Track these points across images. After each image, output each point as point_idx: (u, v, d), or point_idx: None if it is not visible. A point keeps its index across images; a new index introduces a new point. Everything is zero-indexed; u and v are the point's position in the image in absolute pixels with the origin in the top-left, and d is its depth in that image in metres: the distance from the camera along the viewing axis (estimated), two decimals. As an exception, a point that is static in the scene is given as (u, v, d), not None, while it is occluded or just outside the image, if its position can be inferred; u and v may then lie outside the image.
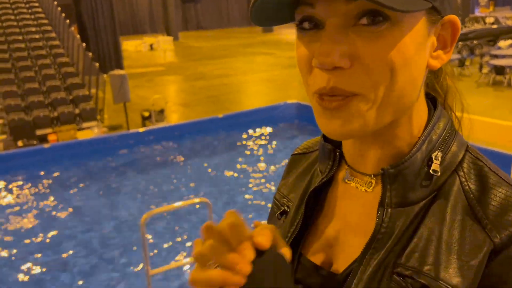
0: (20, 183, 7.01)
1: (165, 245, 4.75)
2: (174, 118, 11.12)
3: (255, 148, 8.15)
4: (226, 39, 25.03)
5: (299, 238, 0.66)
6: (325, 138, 0.67)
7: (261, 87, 14.16)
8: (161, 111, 10.75)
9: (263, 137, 8.73)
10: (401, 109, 0.54)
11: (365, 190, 0.61)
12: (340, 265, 0.60)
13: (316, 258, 0.63)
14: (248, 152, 7.91)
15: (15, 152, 8.40)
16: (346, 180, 0.64)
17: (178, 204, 3.53)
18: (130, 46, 21.47)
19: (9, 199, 6.47)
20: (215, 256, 0.50)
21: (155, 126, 9.61)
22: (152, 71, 17.00)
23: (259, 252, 0.50)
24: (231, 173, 6.91)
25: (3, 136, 9.29)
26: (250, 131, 8.94)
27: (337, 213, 0.64)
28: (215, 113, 9.75)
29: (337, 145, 0.65)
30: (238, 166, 7.23)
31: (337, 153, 0.65)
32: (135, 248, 4.75)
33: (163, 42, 20.83)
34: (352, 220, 0.62)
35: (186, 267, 4.23)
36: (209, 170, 7.10)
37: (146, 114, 10.81)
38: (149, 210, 5.54)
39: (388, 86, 0.50)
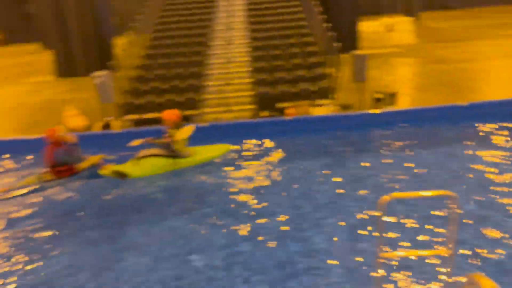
0: (259, 147, 7.94)
1: (399, 232, 4.64)
2: (406, 102, 10.64)
3: (502, 145, 7.09)
4: (473, 19, 22.34)
5: None
6: None
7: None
8: (394, 94, 10.45)
9: (513, 134, 7.54)
10: None
11: None
12: None
13: None
14: (498, 146, 6.94)
15: (258, 121, 9.54)
16: None
17: (423, 193, 3.35)
18: (367, 27, 21.39)
19: (248, 158, 7.38)
20: None
21: (387, 109, 9.42)
22: (387, 53, 16.60)
23: None
24: (476, 166, 6.19)
25: (252, 106, 10.66)
26: (498, 125, 7.82)
27: None
28: (450, 101, 8.89)
29: None
30: (484, 160, 6.42)
31: None
32: (368, 227, 4.80)
33: (402, 22, 20.02)
34: None
35: (416, 259, 4.07)
36: (444, 161, 6.55)
37: (379, 96, 10.69)
38: (368, 193, 5.57)
39: None
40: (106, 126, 9.98)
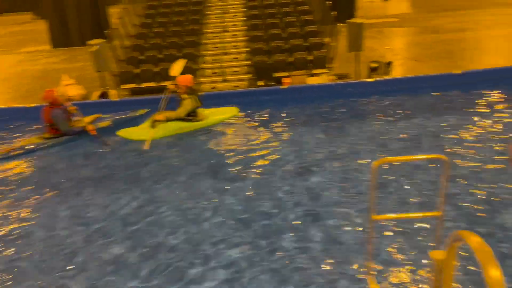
0: (257, 115, 8.06)
1: (391, 195, 4.84)
2: (401, 71, 10.74)
3: (496, 112, 7.26)
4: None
5: None
6: None
7: (509, 44, 12.24)
8: (389, 64, 10.53)
9: (507, 101, 7.69)
10: None
11: None
12: None
13: None
14: (485, 114, 7.12)
15: (256, 90, 9.62)
16: None
17: (414, 157, 3.52)
18: (364, -5, 21.08)
19: (246, 126, 7.56)
20: None
21: (382, 78, 9.51)
22: (384, 22, 16.52)
23: None
24: (462, 134, 6.39)
25: (249, 76, 10.70)
26: (492, 92, 7.98)
27: None
28: (446, 70, 9.01)
29: None
30: (472, 128, 6.61)
31: None
32: (351, 192, 5.00)
33: (399, -9, 19.80)
34: None
35: (408, 221, 4.29)
36: (439, 127, 6.73)
37: (374, 65, 10.75)
38: (364, 158, 5.75)
39: None
40: (103, 95, 10.03)
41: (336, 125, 7.30)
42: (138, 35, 11.91)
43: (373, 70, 10.63)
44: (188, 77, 7.46)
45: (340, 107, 8.21)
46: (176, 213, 4.91)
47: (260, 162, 6.01)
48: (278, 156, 6.19)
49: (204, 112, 7.66)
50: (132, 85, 10.38)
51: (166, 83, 10.44)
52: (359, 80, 9.41)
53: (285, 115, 7.99)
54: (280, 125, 7.50)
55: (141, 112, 8.11)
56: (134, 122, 7.84)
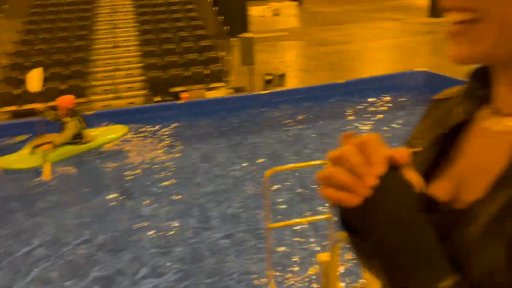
0: (155, 132, 7.87)
1: (284, 202, 4.99)
2: (294, 82, 11.27)
3: (376, 115, 7.95)
4: (352, 4, 24.09)
5: (427, 176, 0.64)
6: (474, 77, 0.65)
7: (385, 55, 13.53)
8: (282, 76, 10.99)
9: (384, 106, 8.47)
10: None
11: (507, 131, 0.57)
12: (463, 202, 0.58)
13: (440, 194, 0.62)
14: (368, 119, 7.76)
15: (152, 106, 9.39)
16: (488, 120, 0.61)
17: (301, 164, 3.66)
18: (255, 11, 21.85)
19: (145, 144, 7.34)
20: (349, 160, 0.50)
21: (276, 89, 9.88)
22: (275, 36, 17.25)
23: (389, 172, 0.51)
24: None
25: (144, 91, 10.40)
26: (371, 99, 8.72)
27: (470, 152, 0.62)
28: (333, 80, 9.66)
29: (486, 85, 0.63)
30: (360, 130, 7.15)
31: (483, 93, 0.63)
32: (254, 202, 5.09)
33: (288, 7, 20.84)
34: (484, 160, 0.59)
35: (303, 225, 4.45)
36: (328, 134, 7.16)
37: (268, 77, 11.14)
38: (264, 168, 5.90)
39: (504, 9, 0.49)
40: (-21, 120, 9.02)
41: (236, 137, 7.41)
42: (18, 52, 10.95)
43: (267, 82, 11.00)
44: (69, 98, 6.90)
45: (238, 119, 8.36)
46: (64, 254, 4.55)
47: (161, 183, 5.83)
48: (180, 174, 6.07)
49: (91, 133, 7.15)
50: (13, 107, 9.49)
51: (50, 103, 9.74)
52: (255, 93, 9.67)
53: (184, 130, 7.90)
54: (180, 140, 7.38)
55: (19, 138, 7.36)
56: (10, 149, 7.06)
